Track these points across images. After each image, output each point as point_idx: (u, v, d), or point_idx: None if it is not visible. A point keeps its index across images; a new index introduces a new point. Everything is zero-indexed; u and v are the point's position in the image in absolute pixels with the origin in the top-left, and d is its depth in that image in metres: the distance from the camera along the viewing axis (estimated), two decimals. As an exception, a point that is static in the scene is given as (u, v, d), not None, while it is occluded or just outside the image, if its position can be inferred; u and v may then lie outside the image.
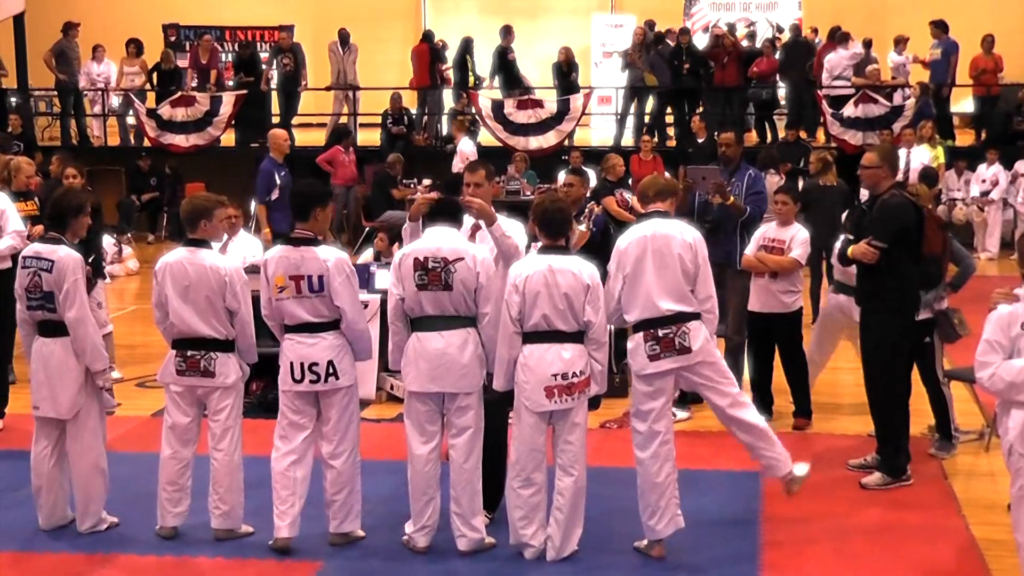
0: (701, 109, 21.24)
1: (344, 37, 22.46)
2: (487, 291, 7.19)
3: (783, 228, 10.05)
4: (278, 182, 13.88)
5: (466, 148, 19.52)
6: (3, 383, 10.11)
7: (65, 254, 7.51)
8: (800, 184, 15.56)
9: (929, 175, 16.12)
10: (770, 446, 7.52)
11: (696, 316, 7.21)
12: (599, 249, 9.80)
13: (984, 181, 19.06)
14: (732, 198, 10.07)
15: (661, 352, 7.14)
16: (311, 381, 7.28)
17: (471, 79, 22.53)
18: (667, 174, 17.73)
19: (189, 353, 7.44)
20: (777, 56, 22.05)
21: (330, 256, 7.26)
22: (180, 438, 7.57)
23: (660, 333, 7.13)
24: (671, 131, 22.03)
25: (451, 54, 23.16)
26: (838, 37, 21.56)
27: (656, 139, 20.39)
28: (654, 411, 7.20)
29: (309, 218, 7.36)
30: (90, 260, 10.85)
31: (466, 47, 22.66)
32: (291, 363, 7.31)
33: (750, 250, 10.03)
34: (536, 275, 6.99)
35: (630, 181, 16.06)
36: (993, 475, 8.77)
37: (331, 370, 7.26)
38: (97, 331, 7.72)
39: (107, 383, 7.66)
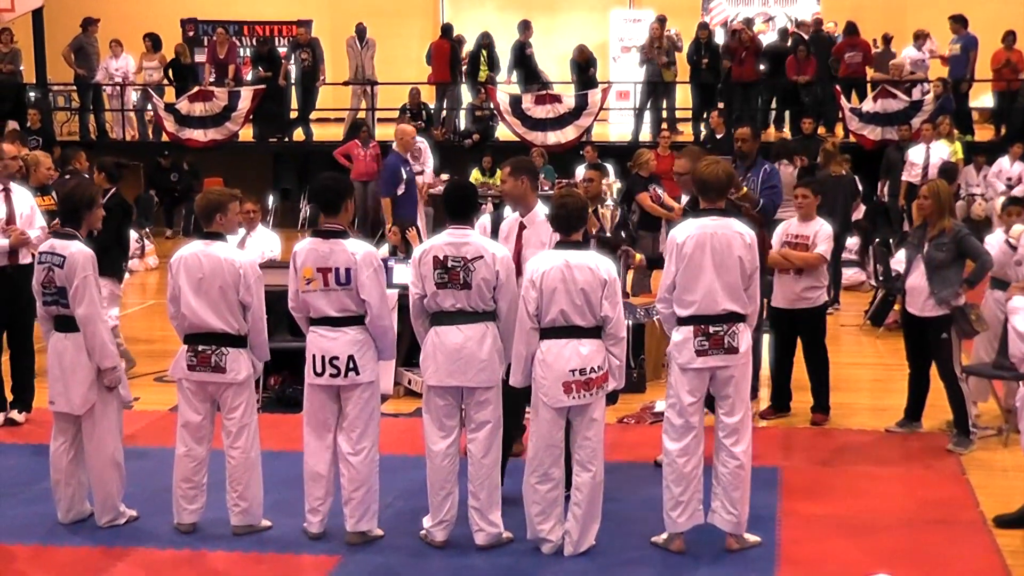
0: (721, 105, 21.18)
1: (361, 32, 22.44)
2: (505, 288, 7.20)
3: (805, 223, 10.02)
4: (404, 176, 13.93)
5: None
6: (29, 377, 10.14)
7: (77, 250, 7.51)
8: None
9: (948, 171, 16.06)
10: (741, 497, 7.25)
11: (744, 318, 7.19)
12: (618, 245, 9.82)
13: (1009, 179, 18.88)
14: (744, 188, 10.03)
15: (710, 349, 7.11)
16: (331, 375, 7.27)
17: (482, 74, 22.45)
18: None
19: (200, 348, 7.42)
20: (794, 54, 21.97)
21: (359, 249, 7.25)
22: (193, 435, 7.56)
23: (711, 330, 7.10)
24: (689, 127, 21.99)
25: (468, 49, 23.13)
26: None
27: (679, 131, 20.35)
28: (693, 404, 7.19)
29: (340, 211, 7.36)
30: None
31: (482, 42, 22.57)
32: (313, 356, 7.32)
33: (773, 246, 10.00)
34: (553, 271, 6.99)
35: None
36: (1012, 470, 8.76)
37: (351, 365, 7.25)
38: (108, 329, 7.71)
39: (114, 383, 7.63)
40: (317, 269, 7.21)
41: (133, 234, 16.82)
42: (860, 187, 16.48)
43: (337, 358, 7.25)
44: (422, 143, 18.16)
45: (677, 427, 7.20)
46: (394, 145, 14.72)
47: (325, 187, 7.49)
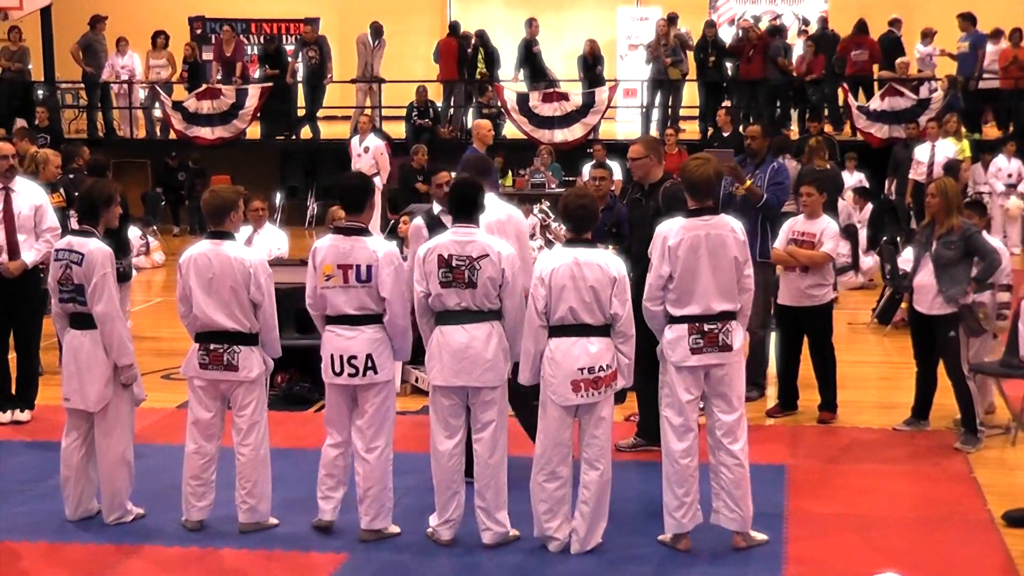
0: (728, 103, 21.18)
1: (377, 30, 22.31)
2: (511, 287, 7.19)
3: (811, 220, 10.01)
4: None
5: (376, 143, 19.31)
6: (33, 375, 10.15)
7: (95, 247, 7.53)
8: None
9: (951, 168, 16.05)
10: (743, 495, 7.23)
11: (735, 315, 7.18)
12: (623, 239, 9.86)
13: (1010, 175, 18.87)
14: (748, 181, 10.02)
15: (704, 346, 7.09)
16: (349, 375, 7.28)
17: (479, 73, 22.39)
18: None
19: (212, 347, 7.43)
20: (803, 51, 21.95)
21: (380, 247, 7.27)
22: (203, 433, 7.58)
23: (706, 328, 7.09)
24: (696, 124, 21.98)
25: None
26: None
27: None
28: (691, 402, 7.18)
29: (364, 209, 7.39)
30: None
31: (478, 42, 22.49)
32: (331, 356, 7.32)
33: (779, 243, 9.99)
34: (562, 268, 6.98)
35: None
36: (1020, 468, 8.76)
37: (369, 364, 7.26)
38: (125, 326, 7.74)
39: (130, 380, 7.66)
40: (337, 266, 7.23)
41: (136, 231, 16.91)
42: (867, 184, 16.51)
43: (355, 357, 7.26)
44: (375, 144, 18.28)
45: (678, 426, 7.19)
46: (474, 142, 14.73)
47: (352, 186, 7.54)
